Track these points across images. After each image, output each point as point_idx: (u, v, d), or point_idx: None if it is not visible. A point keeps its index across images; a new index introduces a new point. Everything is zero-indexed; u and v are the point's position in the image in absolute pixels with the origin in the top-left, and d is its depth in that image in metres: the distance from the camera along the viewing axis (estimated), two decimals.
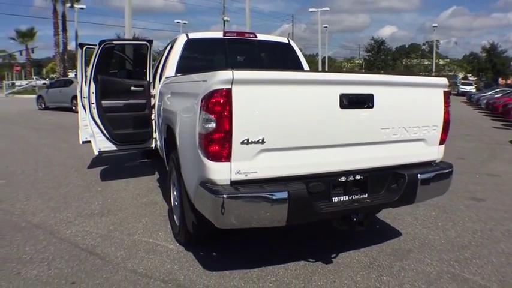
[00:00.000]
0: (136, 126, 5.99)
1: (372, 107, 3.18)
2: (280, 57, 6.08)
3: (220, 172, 2.76)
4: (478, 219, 4.88)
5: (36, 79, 52.51)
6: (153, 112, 5.99)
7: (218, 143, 2.71)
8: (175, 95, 4.13)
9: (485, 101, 24.91)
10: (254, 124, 2.76)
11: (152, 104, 6.01)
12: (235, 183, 2.79)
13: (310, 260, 3.66)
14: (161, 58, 6.34)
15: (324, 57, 61.69)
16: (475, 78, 61.30)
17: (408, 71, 64.56)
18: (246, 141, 2.73)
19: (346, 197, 3.24)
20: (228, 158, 2.73)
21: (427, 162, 3.70)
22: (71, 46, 47.97)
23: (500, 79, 63.45)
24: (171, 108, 4.07)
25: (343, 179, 3.18)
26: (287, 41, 6.08)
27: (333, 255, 3.76)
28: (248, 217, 2.78)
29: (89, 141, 6.51)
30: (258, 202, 2.74)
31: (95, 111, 6.00)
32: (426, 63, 68.81)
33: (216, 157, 2.74)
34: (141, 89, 6.03)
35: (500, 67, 66.47)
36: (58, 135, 11.98)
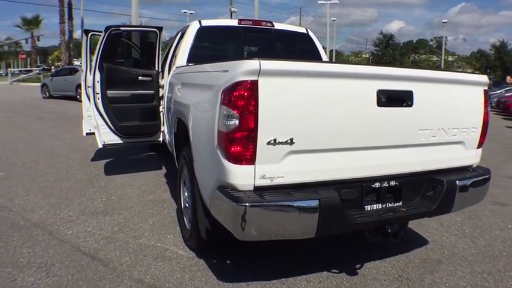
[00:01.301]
0: (143, 119, 5.64)
1: (411, 105, 2.83)
2: (298, 48, 5.71)
3: (242, 176, 2.42)
4: (505, 226, 4.55)
5: (42, 68, 52.14)
6: (162, 103, 5.65)
7: (241, 143, 2.36)
8: (188, 86, 3.78)
9: (495, 100, 24.35)
10: (282, 122, 2.41)
11: (160, 95, 5.67)
12: (259, 189, 2.45)
13: (334, 271, 3.32)
14: (170, 47, 5.98)
15: (332, 51, 61.03)
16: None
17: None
18: (272, 141, 2.38)
19: (380, 205, 2.89)
20: (251, 160, 2.38)
21: (463, 167, 3.37)
22: (77, 34, 47.50)
23: (508, 77, 62.68)
24: (183, 100, 3.72)
25: (377, 185, 2.84)
26: (305, 31, 5.69)
27: (357, 266, 3.43)
28: (273, 229, 2.44)
29: (93, 133, 6.15)
30: (285, 212, 2.39)
31: (99, 102, 5.64)
32: (434, 59, 68.03)
33: (238, 159, 2.39)
34: (149, 78, 5.69)
35: (510, 65, 65.59)
36: (62, 125, 11.67)
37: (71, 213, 4.50)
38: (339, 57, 72.63)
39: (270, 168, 2.43)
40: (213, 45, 5.44)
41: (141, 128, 5.67)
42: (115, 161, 7.21)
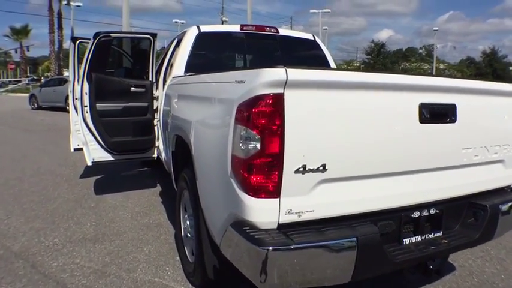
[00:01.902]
0: (136, 133, 5.17)
1: (454, 120, 2.43)
2: (305, 55, 5.29)
3: (264, 212, 1.96)
4: None
5: (31, 79, 51.32)
6: (156, 117, 5.20)
7: (262, 172, 1.91)
8: (189, 99, 3.32)
9: None
10: (313, 144, 1.97)
11: (155, 107, 5.22)
12: (284, 227, 1.99)
13: None
14: (165, 55, 5.55)
15: None
16: None
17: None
18: (301, 169, 1.94)
19: (419, 237, 2.47)
20: (276, 192, 1.93)
21: (501, 188, 2.97)
22: (67, 44, 46.79)
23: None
24: (183, 115, 3.26)
25: (416, 214, 2.41)
26: (312, 38, 5.28)
27: None
28: (301, 275, 1.98)
29: (81, 149, 5.65)
30: (317, 254, 1.94)
31: (88, 115, 5.16)
32: (426, 67, 68.38)
33: (258, 191, 1.93)
34: (143, 90, 5.23)
35: (501, 72, 66.18)
36: (49, 138, 11.13)
37: (56, 241, 4.02)
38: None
39: (298, 201, 1.98)
40: (213, 53, 5.00)
41: (134, 143, 5.19)
42: (106, 177, 6.71)
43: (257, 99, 1.90)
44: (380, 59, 70.24)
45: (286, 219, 1.97)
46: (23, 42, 56.80)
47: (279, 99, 1.87)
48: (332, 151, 2.01)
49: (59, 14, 43.12)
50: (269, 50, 5.17)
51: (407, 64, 74.00)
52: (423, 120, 2.25)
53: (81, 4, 41.88)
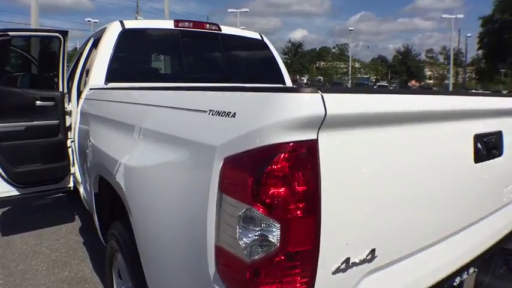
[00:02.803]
0: (45, 160, 4.05)
1: (501, 153, 1.82)
2: (253, 58, 4.52)
3: None
4: None
5: None
6: (70, 136, 4.14)
7: (281, 281, 1.09)
8: (118, 126, 2.31)
9: None
10: (360, 221, 1.21)
11: (68, 124, 4.16)
12: None
13: None
14: (79, 58, 4.51)
15: None
16: (385, 81, 64.06)
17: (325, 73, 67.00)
18: (343, 265, 1.16)
19: None
20: None
21: None
22: None
23: (413, 81, 67.55)
24: (108, 150, 2.30)
25: (457, 281, 1.72)
26: (260, 37, 4.51)
27: None
28: None
29: None
30: None
31: None
32: (342, 65, 70.82)
33: None
34: (52, 103, 4.12)
35: (414, 70, 70.53)
36: None
37: None
38: None
39: None
40: (141, 56, 4.05)
41: (43, 172, 4.07)
42: (12, 211, 5.40)
43: (271, 154, 1.07)
44: (297, 58, 71.98)
45: None
46: None
47: (311, 152, 1.06)
48: (383, 225, 1.26)
49: None
50: (210, 51, 4.33)
51: (322, 63, 76.69)
52: (478, 157, 1.59)
53: None
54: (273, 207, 1.07)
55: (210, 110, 1.32)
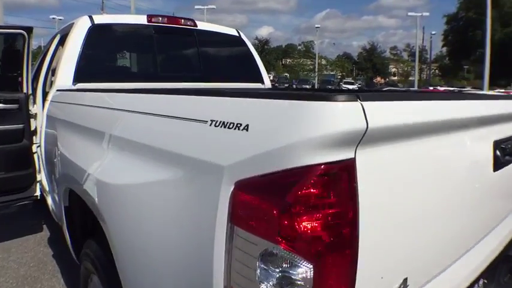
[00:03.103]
0: (9, 167, 3.74)
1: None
2: (229, 55, 4.33)
3: None
4: None
5: None
6: (35, 141, 3.84)
7: None
8: (91, 134, 2.04)
9: None
10: (394, 250, 1.05)
11: (33, 128, 3.86)
12: None
13: None
14: (44, 56, 4.21)
15: None
16: (350, 78, 64.96)
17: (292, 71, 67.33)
18: None
19: None
20: None
21: None
22: None
23: (379, 78, 68.84)
24: (78, 161, 2.04)
25: None
26: (237, 33, 4.32)
27: None
28: None
29: None
30: None
31: None
32: (309, 62, 71.25)
33: None
34: (15, 106, 3.81)
35: (380, 66, 71.82)
36: None
37: None
38: None
39: None
40: (112, 54, 3.80)
41: (6, 181, 3.76)
42: None
43: (300, 178, 0.88)
44: (264, 55, 72.16)
45: None
46: None
47: (348, 174, 0.88)
48: (414, 250, 1.11)
49: None
50: (185, 48, 4.12)
51: (288, 60, 77.09)
52: (498, 165, 1.48)
53: None
54: (303, 244, 0.88)
55: (212, 120, 1.10)
